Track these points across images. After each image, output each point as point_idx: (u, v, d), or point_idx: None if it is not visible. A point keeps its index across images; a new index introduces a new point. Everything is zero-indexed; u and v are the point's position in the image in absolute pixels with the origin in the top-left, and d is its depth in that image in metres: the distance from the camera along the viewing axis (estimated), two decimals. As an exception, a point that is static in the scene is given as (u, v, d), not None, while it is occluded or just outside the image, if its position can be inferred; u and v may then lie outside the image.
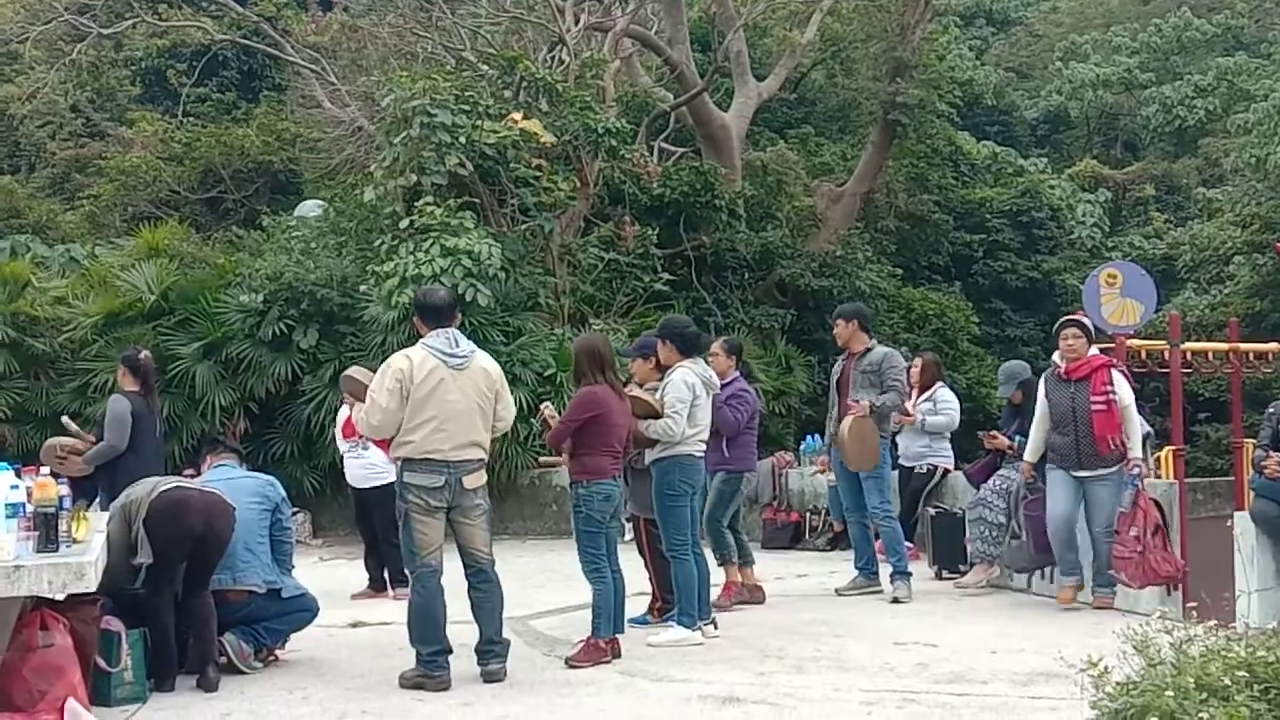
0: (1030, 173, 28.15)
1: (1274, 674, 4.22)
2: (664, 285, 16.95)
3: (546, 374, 14.16)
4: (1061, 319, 8.84)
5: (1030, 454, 8.57)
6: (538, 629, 8.26)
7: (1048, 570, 9.92)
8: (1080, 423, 8.15)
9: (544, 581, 10.06)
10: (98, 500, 8.25)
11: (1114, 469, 8.11)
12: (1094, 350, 8.42)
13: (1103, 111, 34.31)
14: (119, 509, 6.85)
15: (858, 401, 8.92)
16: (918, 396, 10.99)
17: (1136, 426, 8.24)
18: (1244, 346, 17.84)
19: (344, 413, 9.91)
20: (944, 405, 11.06)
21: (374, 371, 7.10)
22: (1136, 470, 8.10)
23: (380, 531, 9.68)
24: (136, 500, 6.76)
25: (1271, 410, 8.22)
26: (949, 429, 11.07)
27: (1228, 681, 4.18)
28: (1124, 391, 8.21)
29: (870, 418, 8.89)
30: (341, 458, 10.24)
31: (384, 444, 9.08)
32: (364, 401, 6.93)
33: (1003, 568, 9.41)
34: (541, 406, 7.81)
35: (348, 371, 7.39)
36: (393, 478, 9.16)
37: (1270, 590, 7.10)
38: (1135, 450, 8.14)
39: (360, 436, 9.29)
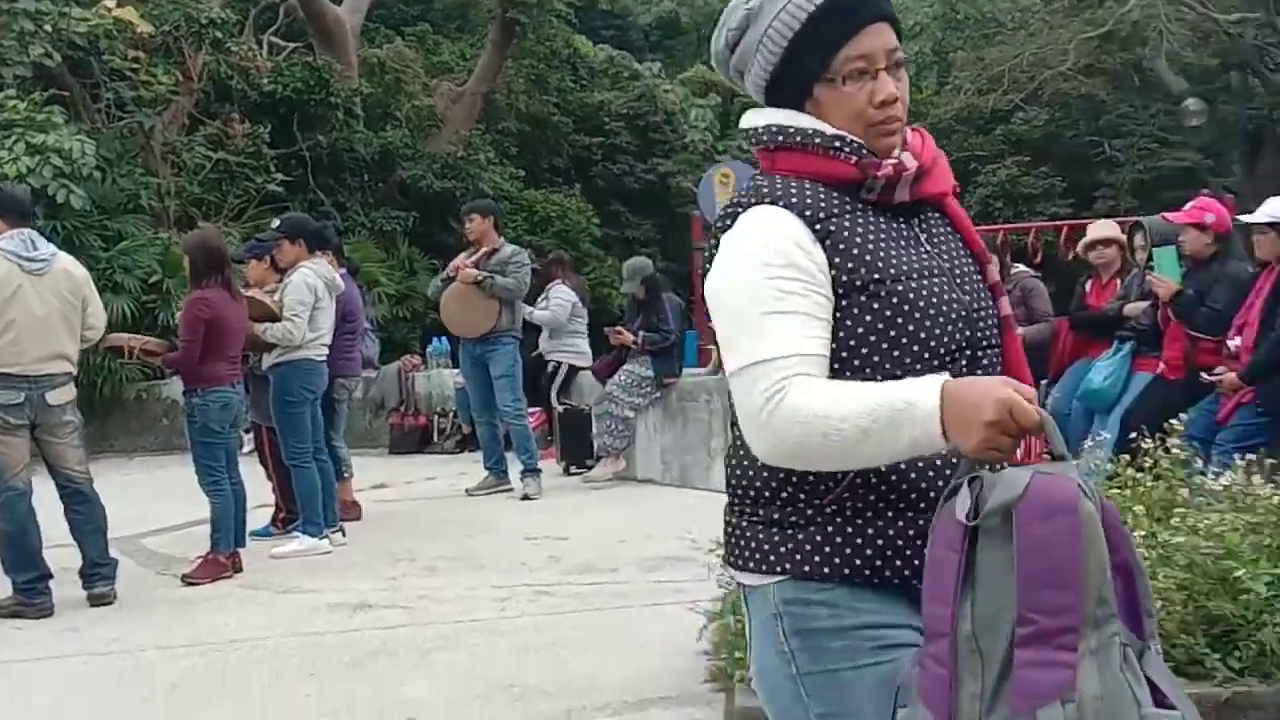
0: (646, 77, 28.61)
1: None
2: (278, 187, 16.27)
3: (152, 280, 13.30)
4: None
5: None
6: (150, 548, 7.80)
7: (673, 461, 10.20)
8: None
9: (155, 498, 9.45)
10: None
11: None
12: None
13: (711, 18, 35.22)
14: None
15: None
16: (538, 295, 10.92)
17: None
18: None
19: None
20: (554, 301, 10.88)
21: None
22: None
23: None
24: None
25: None
26: (551, 325, 10.84)
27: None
28: None
29: (475, 288, 8.98)
30: None
31: None
32: None
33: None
34: (128, 339, 7.15)
35: None
36: None
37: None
38: None
39: None
